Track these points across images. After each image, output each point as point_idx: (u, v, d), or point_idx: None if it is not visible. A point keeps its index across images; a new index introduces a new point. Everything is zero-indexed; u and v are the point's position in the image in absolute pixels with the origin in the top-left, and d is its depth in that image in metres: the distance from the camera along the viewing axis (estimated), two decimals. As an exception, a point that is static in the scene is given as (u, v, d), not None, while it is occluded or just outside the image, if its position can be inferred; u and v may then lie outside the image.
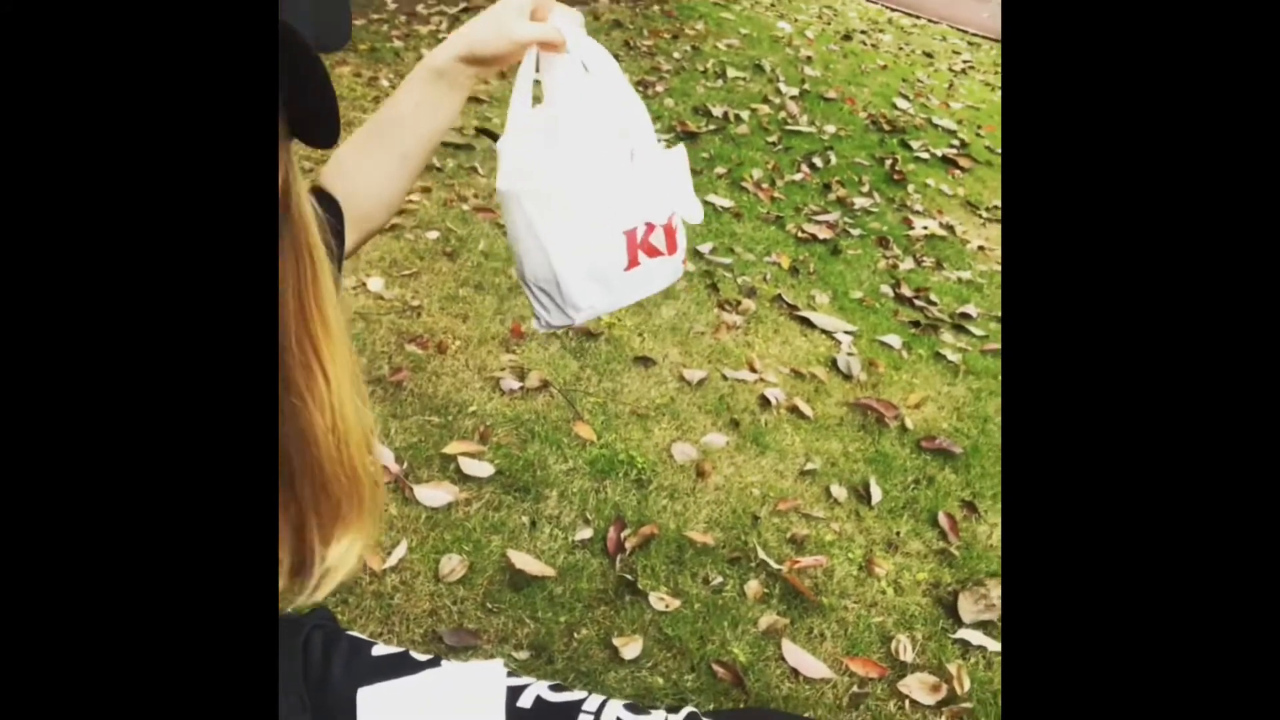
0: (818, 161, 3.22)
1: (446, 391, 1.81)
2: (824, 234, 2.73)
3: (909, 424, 1.96)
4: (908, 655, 1.43)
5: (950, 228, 2.97)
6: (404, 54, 3.39)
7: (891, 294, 2.51)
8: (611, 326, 2.10)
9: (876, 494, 1.75)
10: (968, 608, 1.52)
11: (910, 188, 3.18)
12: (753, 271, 2.46)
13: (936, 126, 3.75)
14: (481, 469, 1.62)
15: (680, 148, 0.83)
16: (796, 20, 4.90)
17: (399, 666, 0.80)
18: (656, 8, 4.48)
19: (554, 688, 0.79)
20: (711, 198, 2.80)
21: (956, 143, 3.63)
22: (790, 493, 1.72)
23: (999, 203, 3.17)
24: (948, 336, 2.35)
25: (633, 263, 0.78)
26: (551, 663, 1.32)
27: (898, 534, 1.68)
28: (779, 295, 2.37)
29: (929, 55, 4.85)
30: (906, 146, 3.49)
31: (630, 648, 1.35)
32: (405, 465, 1.61)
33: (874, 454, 1.86)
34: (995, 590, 1.56)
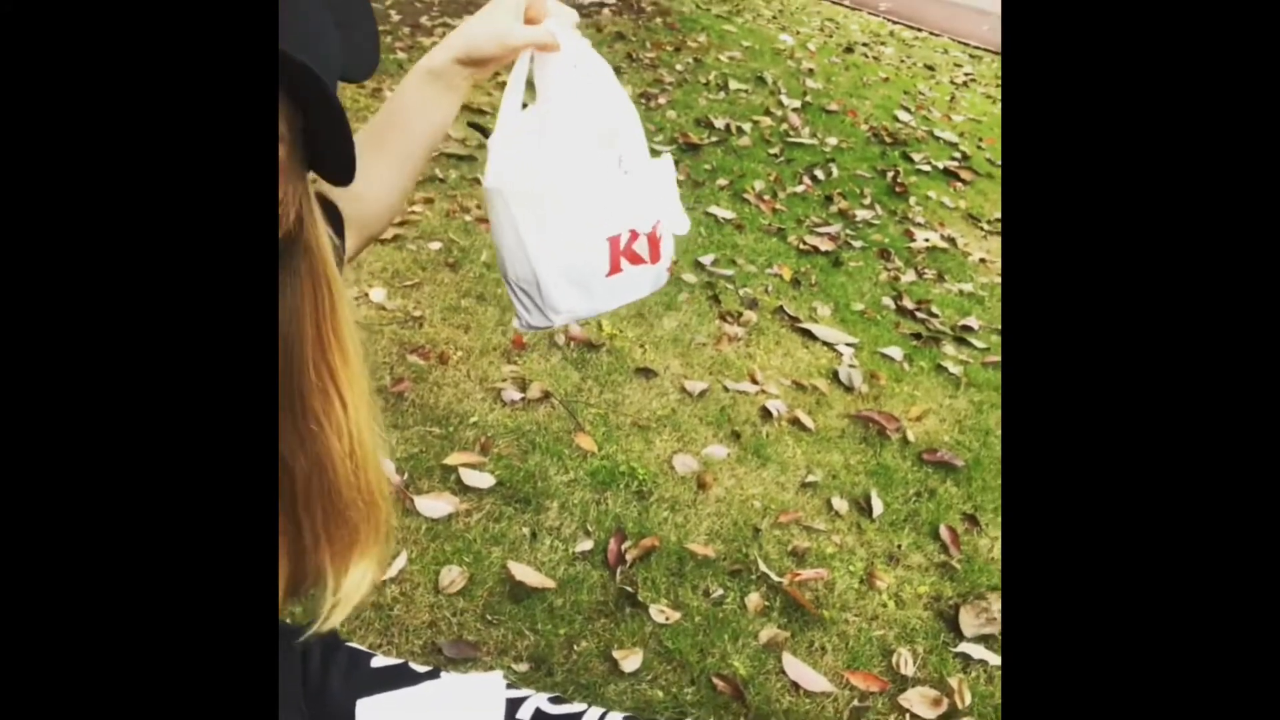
0: (819, 174, 3.23)
1: (448, 402, 1.81)
2: (826, 246, 2.73)
3: (910, 436, 1.96)
4: (909, 669, 1.42)
5: (952, 240, 2.97)
6: (407, 66, 3.40)
7: (893, 306, 2.51)
8: (613, 338, 2.10)
9: (878, 506, 1.74)
10: (969, 621, 1.52)
11: (912, 200, 3.18)
12: (754, 283, 2.46)
13: (938, 139, 3.76)
14: (482, 480, 1.62)
15: (668, 158, 0.83)
16: (799, 33, 4.92)
17: (398, 678, 0.80)
18: (659, 20, 4.50)
19: (553, 700, 0.79)
20: (713, 209, 2.80)
21: (958, 155, 3.64)
22: (791, 505, 1.72)
23: (1000, 215, 3.17)
24: (949, 349, 2.35)
25: (614, 269, 0.78)
26: (551, 675, 1.31)
27: (899, 547, 1.67)
28: (780, 307, 2.37)
29: (931, 68, 4.87)
30: (908, 159, 3.50)
31: (630, 660, 1.34)
32: (406, 476, 1.61)
33: (875, 466, 1.86)
34: (997, 604, 1.55)
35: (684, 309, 2.28)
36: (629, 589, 1.46)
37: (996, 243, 3.04)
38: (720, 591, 1.50)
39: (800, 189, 3.09)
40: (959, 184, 3.41)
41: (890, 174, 3.32)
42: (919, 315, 2.48)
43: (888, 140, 3.63)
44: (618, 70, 3.78)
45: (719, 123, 3.44)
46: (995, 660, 1.45)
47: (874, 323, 2.40)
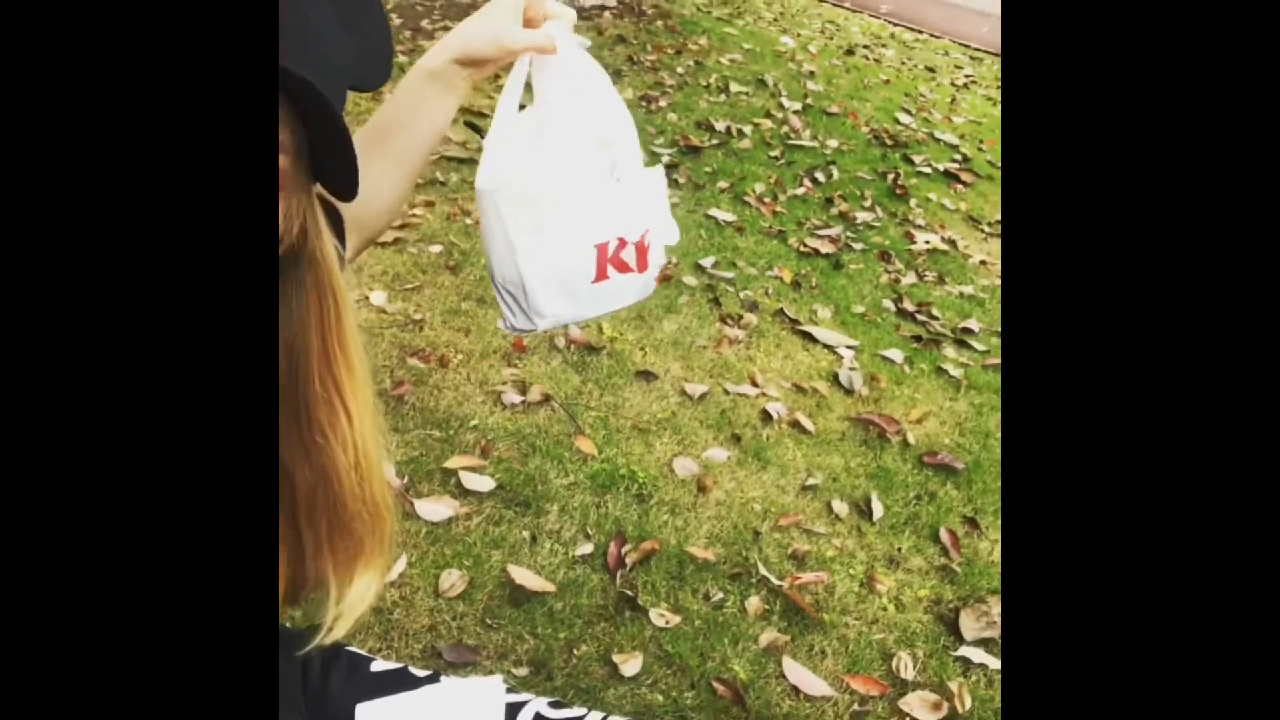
0: (820, 176, 3.23)
1: (448, 405, 1.81)
2: (826, 248, 2.73)
3: (911, 439, 1.96)
4: (909, 673, 1.42)
5: (952, 242, 2.97)
6: (409, 69, 3.41)
7: (893, 309, 2.51)
8: (613, 341, 2.10)
9: (878, 510, 1.74)
10: (969, 625, 1.52)
11: (912, 202, 3.18)
12: (755, 286, 2.46)
13: (939, 141, 3.76)
14: (482, 483, 1.62)
15: (659, 168, 0.83)
16: (799, 35, 4.92)
17: (398, 682, 0.80)
18: (660, 23, 4.51)
19: (553, 705, 0.79)
20: (714, 212, 2.80)
21: (959, 157, 3.64)
22: (791, 508, 1.72)
23: (1000, 217, 3.17)
24: (950, 351, 2.35)
25: (601, 276, 0.78)
26: (551, 679, 1.31)
27: (899, 550, 1.67)
28: (781, 310, 2.37)
29: (931, 70, 4.87)
30: (909, 161, 3.50)
31: (630, 664, 1.34)
32: (406, 479, 1.61)
33: (875, 469, 1.86)
34: (997, 607, 1.55)
35: (684, 312, 2.28)
36: (629, 592, 1.46)
37: (997, 245, 3.04)
38: (720, 595, 1.50)
39: (801, 191, 3.09)
40: (960, 186, 3.41)
41: (891, 176, 3.32)
42: (919, 318, 2.48)
43: (888, 142, 3.63)
44: (619, 73, 3.79)
45: (720, 125, 3.44)
46: (995, 664, 1.45)
47: (874, 325, 2.40)
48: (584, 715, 0.78)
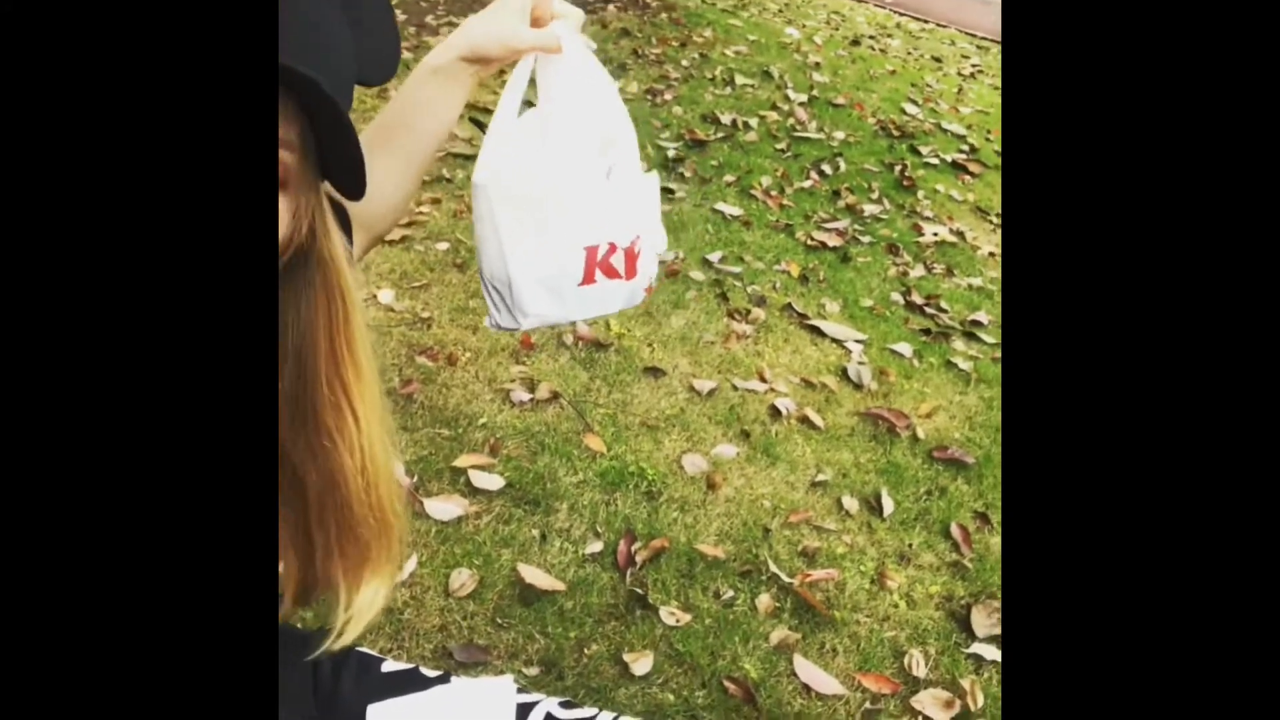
0: (827, 168, 3.22)
1: (456, 404, 1.81)
2: (833, 241, 2.72)
3: (920, 434, 1.95)
4: (921, 670, 1.42)
5: (960, 234, 2.95)
6: (413, 65, 3.40)
7: (902, 301, 2.50)
8: (621, 337, 2.10)
9: (888, 505, 1.74)
10: (981, 622, 1.51)
11: (920, 194, 3.17)
12: (762, 280, 2.46)
13: (946, 131, 3.74)
14: (492, 482, 1.62)
15: (654, 175, 0.83)
16: (804, 26, 4.90)
17: (409, 683, 0.80)
18: (664, 15, 4.49)
19: (564, 704, 0.79)
20: (721, 206, 2.79)
21: (966, 148, 3.62)
22: (801, 504, 1.72)
23: (1001, 210, 3.15)
24: (959, 344, 2.34)
25: (588, 279, 0.78)
26: (562, 679, 1.31)
27: (910, 546, 1.67)
28: (789, 304, 2.36)
29: (938, 60, 4.84)
30: (916, 152, 3.48)
31: (641, 663, 1.34)
32: (416, 478, 1.61)
33: (885, 465, 1.85)
34: (1009, 603, 1.54)
35: (692, 307, 2.27)
36: (639, 591, 1.46)
37: (1006, 237, 3.02)
38: (731, 593, 1.50)
39: (807, 184, 3.08)
40: (967, 177, 3.39)
41: (898, 167, 3.31)
42: (928, 310, 2.47)
43: (895, 133, 3.61)
44: (623, 66, 3.78)
45: (725, 118, 3.43)
46: (1008, 660, 1.45)
47: (883, 319, 2.39)
48: (595, 715, 0.78)
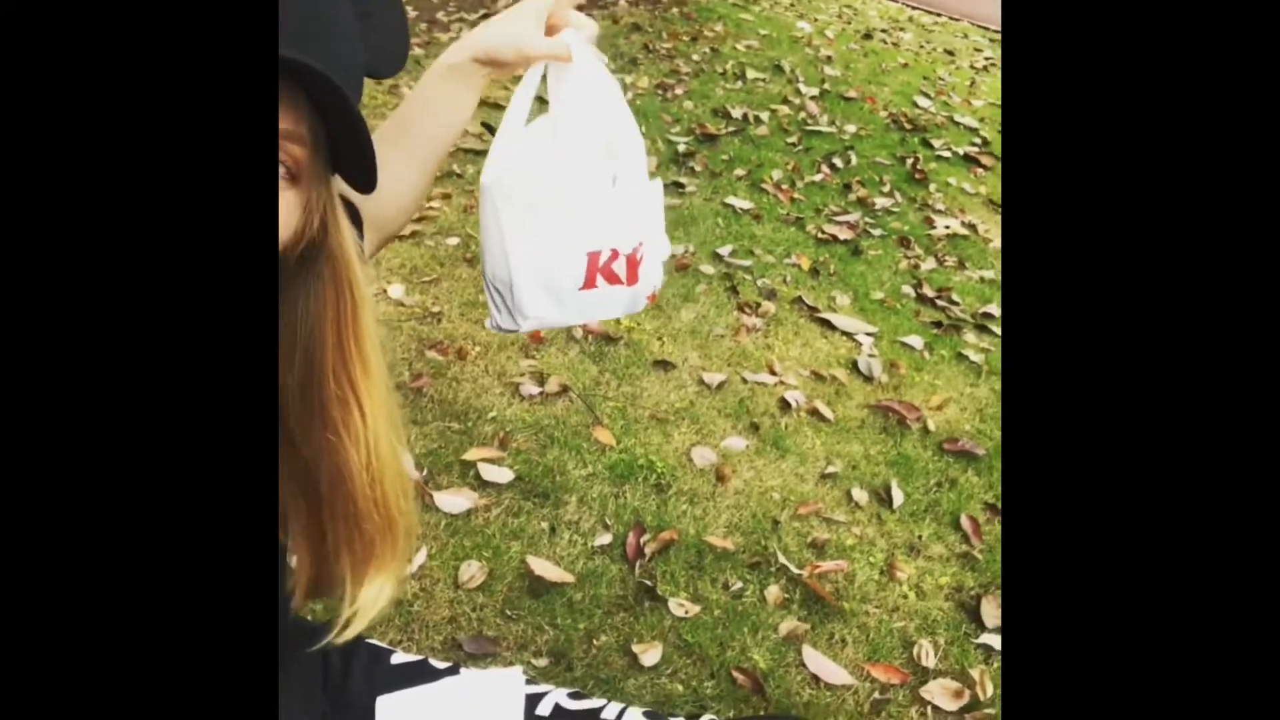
0: (838, 162, 3.21)
1: (466, 397, 1.81)
2: (844, 235, 2.71)
3: (931, 426, 1.95)
4: (930, 661, 1.42)
5: (972, 227, 2.94)
6: (424, 61, 3.41)
7: (913, 294, 2.49)
8: (630, 330, 2.10)
9: (898, 497, 1.73)
10: (991, 612, 1.51)
11: (932, 187, 3.15)
12: (773, 273, 2.45)
13: (958, 124, 3.72)
14: (501, 475, 1.63)
15: (658, 182, 0.83)
16: (816, 20, 4.88)
17: (418, 674, 0.80)
18: (675, 10, 4.48)
19: (573, 695, 0.79)
20: (731, 199, 2.79)
21: (978, 141, 3.60)
22: (811, 496, 1.72)
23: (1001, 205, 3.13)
24: (970, 337, 2.33)
25: (589, 284, 0.78)
26: (571, 670, 1.32)
27: (920, 537, 1.66)
28: (799, 297, 2.36)
29: (950, 53, 4.81)
30: (928, 145, 3.46)
31: (650, 654, 1.35)
32: (425, 472, 1.62)
33: (895, 456, 1.85)
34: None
35: (702, 300, 2.27)
36: (648, 582, 1.47)
37: (1018, 229, 3.01)
38: (739, 584, 1.50)
39: (819, 177, 3.07)
40: (979, 170, 3.37)
41: (910, 161, 3.29)
42: (939, 303, 2.46)
43: (907, 127, 3.59)
44: (634, 61, 3.78)
45: (736, 112, 3.42)
46: (1018, 651, 1.44)
47: (894, 311, 2.38)
48: (603, 706, 0.78)
